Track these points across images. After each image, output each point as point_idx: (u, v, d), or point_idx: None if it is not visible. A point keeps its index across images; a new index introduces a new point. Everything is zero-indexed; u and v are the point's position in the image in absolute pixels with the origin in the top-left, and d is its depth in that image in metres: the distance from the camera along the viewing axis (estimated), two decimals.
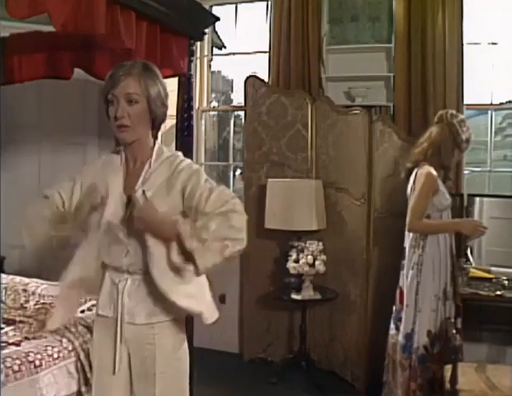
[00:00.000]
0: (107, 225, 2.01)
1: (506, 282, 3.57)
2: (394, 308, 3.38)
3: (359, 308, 4.03)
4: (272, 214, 4.19)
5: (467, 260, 3.83)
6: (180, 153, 2.13)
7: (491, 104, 4.21)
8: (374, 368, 3.93)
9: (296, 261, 4.08)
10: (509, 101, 4.22)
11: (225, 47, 5.53)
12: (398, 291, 3.36)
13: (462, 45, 3.92)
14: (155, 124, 2.08)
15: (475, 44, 4.17)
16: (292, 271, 4.09)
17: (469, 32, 4.05)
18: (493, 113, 4.22)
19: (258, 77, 4.51)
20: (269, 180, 4.25)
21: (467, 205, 3.89)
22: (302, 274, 4.09)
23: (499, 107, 4.24)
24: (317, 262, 4.04)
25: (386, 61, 4.25)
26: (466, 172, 4.01)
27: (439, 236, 3.23)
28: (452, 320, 3.28)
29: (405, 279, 3.27)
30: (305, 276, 4.10)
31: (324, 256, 4.07)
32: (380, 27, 4.26)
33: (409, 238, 3.28)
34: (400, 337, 3.28)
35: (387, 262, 3.96)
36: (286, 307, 4.40)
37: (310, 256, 4.05)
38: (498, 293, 3.49)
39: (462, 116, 3.34)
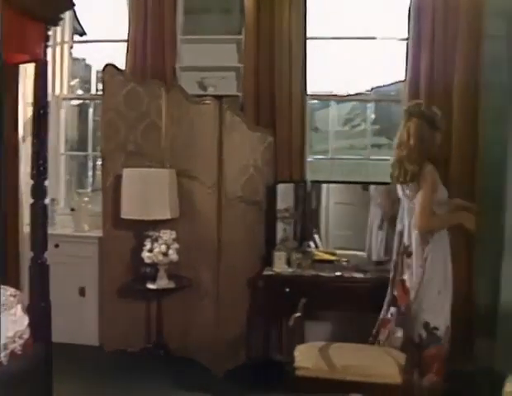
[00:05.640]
0: None
1: (345, 263, 3.79)
2: (393, 309, 3.34)
3: (212, 294, 4.10)
4: (127, 203, 4.16)
5: (314, 243, 4.02)
6: None
7: (335, 95, 4.43)
8: (230, 352, 4.07)
9: (151, 250, 4.08)
10: (358, 94, 4.45)
11: (85, 34, 5.41)
12: (404, 292, 3.27)
13: (306, 39, 4.09)
14: None
15: (322, 38, 4.36)
16: (147, 261, 4.09)
17: (316, 26, 4.24)
18: (338, 104, 4.46)
19: (115, 66, 4.42)
20: (124, 169, 4.20)
21: (315, 191, 4.09)
22: (157, 263, 4.10)
23: (344, 99, 4.47)
24: (170, 251, 4.06)
25: (238, 52, 4.34)
26: (309, 159, 4.20)
27: (444, 230, 3.27)
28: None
29: (411, 274, 3.25)
30: (159, 265, 4.11)
31: (177, 245, 4.09)
32: (231, 19, 4.37)
33: (413, 234, 3.26)
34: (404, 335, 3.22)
35: (238, 249, 4.08)
36: (144, 297, 4.39)
37: (163, 245, 4.06)
38: (338, 274, 3.71)
39: (421, 102, 3.41)
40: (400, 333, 3.26)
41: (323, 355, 3.19)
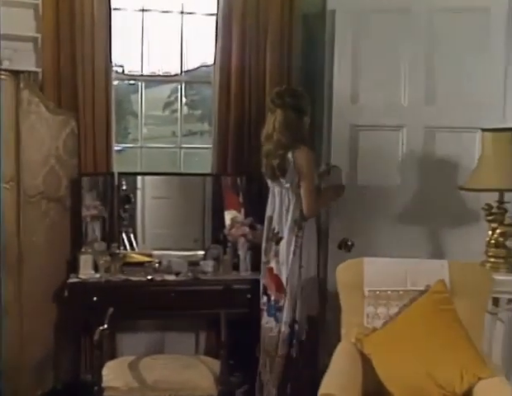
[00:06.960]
0: None
1: (157, 265, 3.47)
2: (265, 298, 3.22)
3: (14, 310, 3.41)
4: None
5: (130, 244, 3.63)
6: None
7: (143, 75, 3.98)
8: (37, 377, 3.51)
9: None
10: (174, 75, 4.01)
11: None
12: (272, 280, 3.18)
13: (110, 9, 3.62)
14: None
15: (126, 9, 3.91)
16: None
17: None
18: (158, 86, 4.06)
19: None
20: None
21: (128, 185, 3.69)
22: None
23: (153, 80, 4.04)
24: None
25: (35, 20, 3.69)
26: (117, 148, 3.75)
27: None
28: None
29: (284, 265, 3.13)
30: None
31: None
32: None
33: (287, 220, 3.12)
34: (283, 328, 3.14)
35: (42, 255, 3.50)
36: None
37: None
38: (149, 277, 3.40)
39: (284, 87, 3.28)
40: (271, 323, 3.21)
41: (133, 371, 2.97)
